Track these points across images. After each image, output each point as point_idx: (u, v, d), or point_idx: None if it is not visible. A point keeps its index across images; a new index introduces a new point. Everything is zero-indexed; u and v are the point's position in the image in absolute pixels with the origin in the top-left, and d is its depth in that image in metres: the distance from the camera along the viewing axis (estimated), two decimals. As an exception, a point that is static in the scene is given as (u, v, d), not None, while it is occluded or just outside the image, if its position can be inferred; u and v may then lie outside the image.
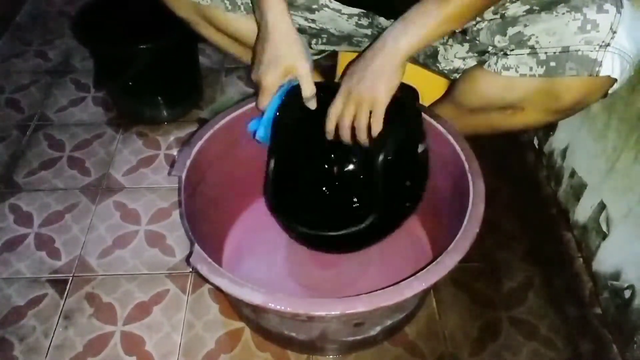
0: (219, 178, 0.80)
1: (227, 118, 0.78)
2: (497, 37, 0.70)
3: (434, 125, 0.75)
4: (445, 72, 0.81)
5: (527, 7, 0.68)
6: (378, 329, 0.70)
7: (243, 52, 0.85)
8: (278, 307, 0.56)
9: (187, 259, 0.71)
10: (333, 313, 0.56)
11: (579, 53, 0.63)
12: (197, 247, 0.62)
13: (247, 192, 0.89)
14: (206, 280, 0.76)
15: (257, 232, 0.88)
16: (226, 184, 0.83)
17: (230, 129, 0.78)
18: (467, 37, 0.74)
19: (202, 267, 0.60)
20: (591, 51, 0.63)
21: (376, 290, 0.57)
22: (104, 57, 1.04)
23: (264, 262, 0.85)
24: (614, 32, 0.61)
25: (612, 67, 0.63)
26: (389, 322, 0.71)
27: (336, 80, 0.95)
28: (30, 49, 1.29)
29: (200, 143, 0.75)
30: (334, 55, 1.00)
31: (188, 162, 0.72)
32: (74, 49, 1.28)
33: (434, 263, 0.59)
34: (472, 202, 0.65)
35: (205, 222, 0.77)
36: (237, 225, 0.89)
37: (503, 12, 0.69)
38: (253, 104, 0.77)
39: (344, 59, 0.98)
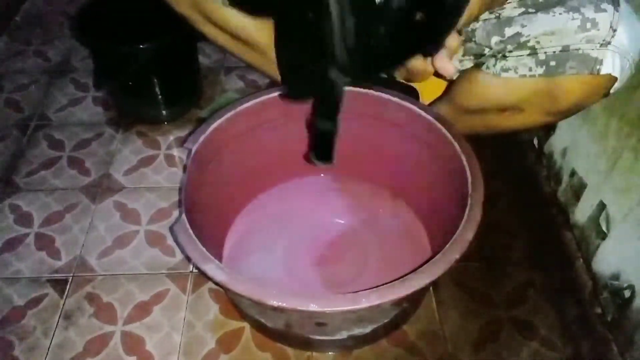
0: (229, 164, 0.77)
1: (252, 102, 0.75)
2: (494, 38, 0.69)
3: (434, 124, 0.75)
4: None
5: (523, 9, 0.68)
6: (345, 333, 0.69)
7: (243, 49, 0.85)
8: (237, 289, 0.56)
9: (171, 227, 0.70)
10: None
11: (580, 52, 0.63)
12: (184, 216, 0.62)
13: (251, 185, 0.88)
14: (206, 277, 0.76)
15: (259, 227, 0.88)
16: (234, 173, 0.81)
17: (252, 115, 0.75)
18: (462, 38, 0.74)
19: (182, 237, 0.60)
20: (592, 50, 0.63)
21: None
22: (103, 57, 1.04)
23: (264, 259, 0.84)
24: (614, 31, 0.61)
25: (613, 65, 0.63)
26: (355, 329, 0.69)
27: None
28: (30, 49, 1.28)
29: (219, 121, 0.72)
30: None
31: (202, 137, 0.70)
32: (74, 49, 1.28)
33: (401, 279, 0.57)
34: (472, 202, 0.65)
35: (206, 213, 0.76)
36: (238, 220, 0.89)
37: (499, 12, 0.69)
38: (276, 94, 0.75)
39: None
